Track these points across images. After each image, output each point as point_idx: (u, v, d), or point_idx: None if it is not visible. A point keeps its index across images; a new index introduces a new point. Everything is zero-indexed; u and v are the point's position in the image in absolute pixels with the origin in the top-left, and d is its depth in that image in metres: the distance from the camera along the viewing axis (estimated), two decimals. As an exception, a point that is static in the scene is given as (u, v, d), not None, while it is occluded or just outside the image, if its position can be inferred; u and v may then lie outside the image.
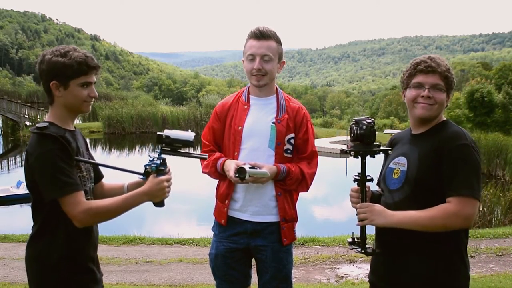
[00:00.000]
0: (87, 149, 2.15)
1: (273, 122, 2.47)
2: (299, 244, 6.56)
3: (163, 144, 1.96)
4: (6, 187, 13.27)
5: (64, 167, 1.86)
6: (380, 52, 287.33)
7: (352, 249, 2.06)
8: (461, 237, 1.98)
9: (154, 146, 28.49)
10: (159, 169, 1.96)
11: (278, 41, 2.48)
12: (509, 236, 7.24)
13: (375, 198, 2.15)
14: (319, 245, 6.68)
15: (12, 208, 12.84)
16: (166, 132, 1.96)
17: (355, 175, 2.07)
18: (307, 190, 2.54)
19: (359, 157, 2.01)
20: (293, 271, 2.61)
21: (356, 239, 2.05)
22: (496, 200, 10.59)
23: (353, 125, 2.01)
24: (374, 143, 2.01)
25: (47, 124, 1.94)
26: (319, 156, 2.58)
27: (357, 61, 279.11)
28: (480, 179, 1.92)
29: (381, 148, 2.02)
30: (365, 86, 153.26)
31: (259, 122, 2.48)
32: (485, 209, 10.26)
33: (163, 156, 1.98)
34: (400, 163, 2.07)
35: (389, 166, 2.13)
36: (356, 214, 2.02)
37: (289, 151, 2.49)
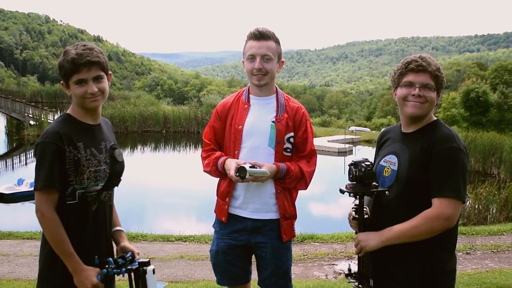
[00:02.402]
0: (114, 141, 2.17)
1: (273, 121, 2.50)
2: (298, 241, 6.62)
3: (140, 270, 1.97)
4: (10, 184, 13.44)
5: (50, 162, 1.89)
6: (377, 53, 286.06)
7: (349, 282, 2.12)
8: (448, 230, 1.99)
9: (155, 145, 28.57)
10: (108, 273, 1.93)
11: (277, 41, 2.52)
12: (504, 233, 7.33)
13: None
14: (317, 242, 6.75)
15: (16, 205, 12.90)
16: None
17: (354, 212, 2.13)
18: (306, 188, 2.57)
19: (357, 197, 2.08)
20: (292, 267, 2.65)
21: (353, 272, 2.11)
22: (492, 198, 10.69)
23: (352, 167, 2.06)
24: (373, 183, 2.07)
25: (63, 115, 2.03)
26: (317, 155, 2.61)
27: (355, 62, 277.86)
28: (466, 181, 1.96)
29: (379, 189, 2.08)
30: (363, 86, 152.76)
31: (259, 121, 2.51)
32: (480, 206, 10.39)
33: (125, 272, 1.97)
34: (391, 162, 2.10)
35: (380, 163, 2.16)
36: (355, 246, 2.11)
37: (288, 150, 2.52)
